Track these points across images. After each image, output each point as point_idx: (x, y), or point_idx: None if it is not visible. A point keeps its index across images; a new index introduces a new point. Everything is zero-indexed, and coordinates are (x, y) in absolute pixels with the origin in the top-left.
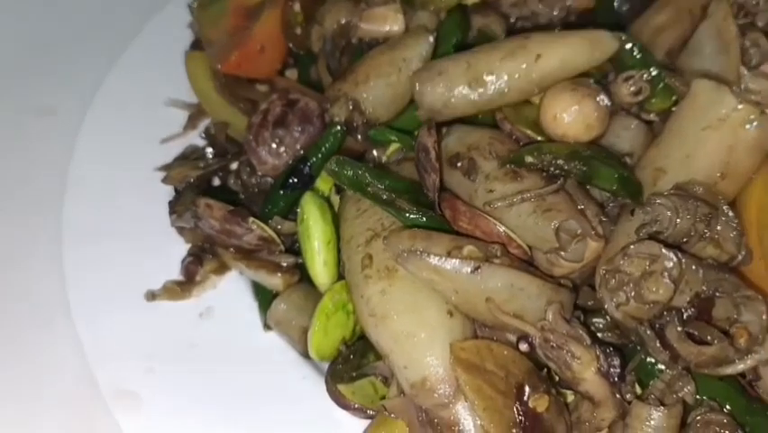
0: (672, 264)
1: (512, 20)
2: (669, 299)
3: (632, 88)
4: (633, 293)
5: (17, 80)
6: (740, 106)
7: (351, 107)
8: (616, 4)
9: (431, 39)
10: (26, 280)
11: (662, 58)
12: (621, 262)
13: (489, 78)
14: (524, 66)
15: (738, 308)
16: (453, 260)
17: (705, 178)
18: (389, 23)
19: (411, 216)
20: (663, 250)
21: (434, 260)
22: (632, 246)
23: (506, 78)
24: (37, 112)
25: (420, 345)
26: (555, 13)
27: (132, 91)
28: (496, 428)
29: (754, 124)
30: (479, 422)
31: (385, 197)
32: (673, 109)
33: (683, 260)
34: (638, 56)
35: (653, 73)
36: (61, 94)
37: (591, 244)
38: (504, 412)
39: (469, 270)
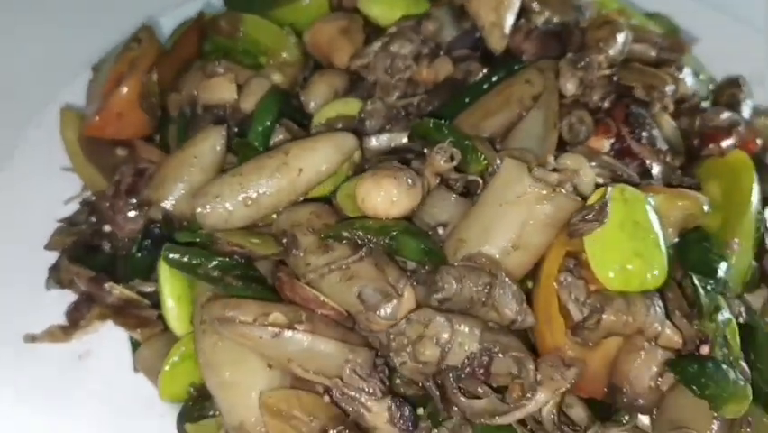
0: (440, 329)
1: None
2: (438, 359)
3: (444, 157)
4: (411, 354)
5: None
6: (535, 186)
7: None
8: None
9: (222, 131)
10: None
11: (488, 138)
12: (404, 327)
13: (261, 198)
14: (288, 182)
15: (518, 366)
16: (257, 327)
17: (498, 249)
18: (223, 92)
19: (238, 290)
20: (437, 317)
21: (240, 327)
22: (412, 313)
23: (276, 194)
24: None
25: (239, 394)
26: (393, 81)
27: (48, 149)
28: None
29: (547, 202)
30: None
31: (215, 274)
32: None
33: (455, 326)
34: (446, 132)
35: (464, 142)
36: None
37: (403, 304)
38: None
39: (270, 336)
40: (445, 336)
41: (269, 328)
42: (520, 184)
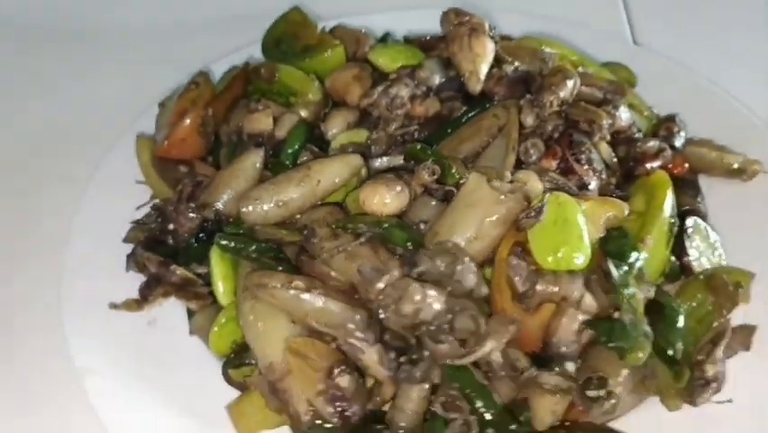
0: (414, 292)
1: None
2: (414, 313)
3: (427, 172)
4: (394, 310)
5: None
6: (491, 193)
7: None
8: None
9: (261, 152)
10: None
11: (462, 159)
12: (390, 291)
13: (289, 201)
14: (310, 189)
15: (473, 322)
16: (284, 289)
17: (463, 238)
18: (262, 124)
19: (271, 267)
20: (413, 284)
21: (271, 290)
22: (396, 282)
23: (300, 198)
24: (59, 179)
25: (270, 341)
26: (392, 115)
27: (125, 166)
28: (308, 392)
29: (500, 205)
30: (299, 389)
31: (254, 256)
32: None
33: (426, 291)
34: (429, 153)
35: (443, 161)
36: (78, 165)
37: (391, 276)
38: (315, 383)
39: (293, 296)
40: (418, 297)
41: (293, 291)
42: (480, 191)
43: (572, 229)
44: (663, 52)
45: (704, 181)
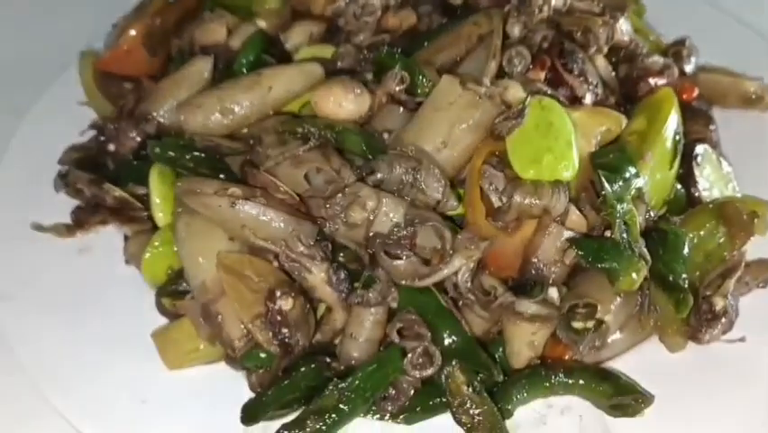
0: (367, 197)
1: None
2: (366, 223)
3: (395, 80)
4: (342, 219)
5: None
6: (465, 94)
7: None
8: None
9: (209, 59)
10: None
11: (437, 68)
12: (339, 197)
13: (235, 108)
14: (260, 96)
15: (438, 236)
16: (217, 197)
17: (430, 146)
18: (215, 34)
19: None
20: (366, 188)
21: (202, 197)
22: (346, 187)
23: (249, 106)
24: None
25: (203, 257)
26: (360, 23)
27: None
28: (244, 315)
29: (474, 108)
30: (234, 311)
31: (190, 165)
32: None
33: (382, 198)
34: (396, 59)
35: (412, 67)
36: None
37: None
38: (253, 305)
39: (227, 204)
40: (371, 203)
41: (227, 198)
42: (452, 93)
43: (558, 134)
44: None
45: (719, 115)
